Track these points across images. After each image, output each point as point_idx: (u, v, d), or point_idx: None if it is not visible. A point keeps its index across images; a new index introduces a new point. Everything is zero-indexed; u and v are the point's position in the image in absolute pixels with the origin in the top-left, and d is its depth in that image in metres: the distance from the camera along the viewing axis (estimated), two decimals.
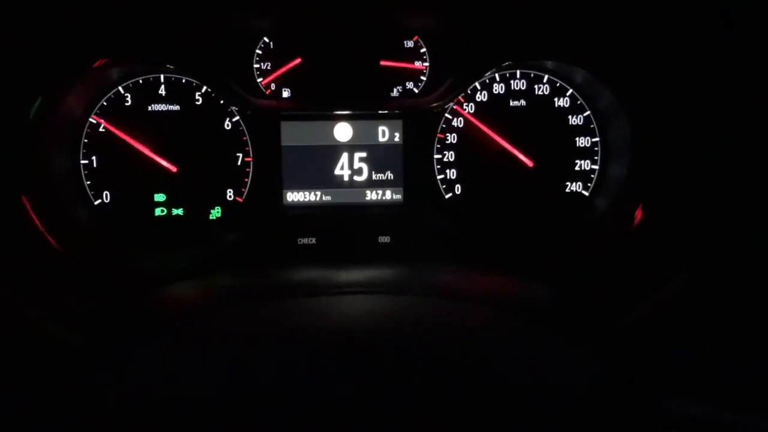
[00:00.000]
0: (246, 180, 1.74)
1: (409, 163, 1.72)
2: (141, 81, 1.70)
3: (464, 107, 1.75)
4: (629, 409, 0.83)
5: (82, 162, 1.70)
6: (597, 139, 1.76)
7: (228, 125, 1.73)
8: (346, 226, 1.70)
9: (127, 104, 1.70)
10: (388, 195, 1.73)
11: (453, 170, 1.77)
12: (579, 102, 1.76)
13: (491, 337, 1.02)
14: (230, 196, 1.75)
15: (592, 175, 1.78)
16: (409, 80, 1.78)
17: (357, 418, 0.76)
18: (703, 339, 1.12)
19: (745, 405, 0.84)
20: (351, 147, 1.71)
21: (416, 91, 1.78)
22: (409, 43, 1.77)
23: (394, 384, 0.83)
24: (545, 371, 0.90)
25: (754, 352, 1.06)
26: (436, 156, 1.76)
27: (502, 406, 0.79)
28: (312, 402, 0.79)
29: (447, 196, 1.78)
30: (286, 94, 1.77)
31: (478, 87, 1.75)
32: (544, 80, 1.75)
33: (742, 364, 1.00)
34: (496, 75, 1.75)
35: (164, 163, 1.70)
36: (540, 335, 1.04)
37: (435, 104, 1.69)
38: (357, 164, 1.72)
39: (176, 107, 1.71)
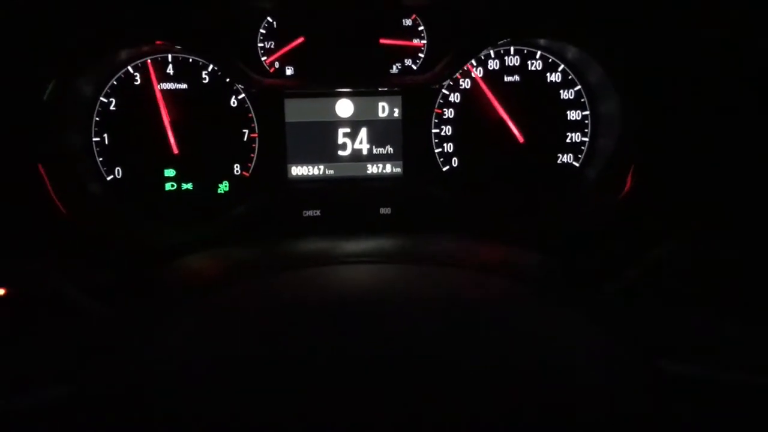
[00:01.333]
0: (252, 155, 1.78)
1: (408, 137, 1.76)
2: (149, 61, 1.73)
3: (461, 83, 1.80)
4: (630, 371, 0.86)
5: (94, 139, 1.74)
6: (587, 112, 1.82)
7: (234, 103, 1.77)
8: (349, 198, 1.75)
9: (136, 83, 1.73)
10: (389, 168, 1.79)
11: (450, 144, 1.82)
12: (570, 77, 1.81)
13: (490, 303, 1.06)
14: (237, 171, 1.79)
15: (583, 147, 1.84)
16: (408, 57, 1.81)
17: (366, 384, 0.80)
18: (698, 301, 1.14)
19: (742, 364, 0.87)
20: (352, 123, 1.75)
21: (415, 68, 1.81)
22: (408, 22, 1.80)
23: (399, 348, 0.87)
24: (544, 339, 0.93)
25: (750, 313, 1.07)
26: (434, 130, 1.80)
27: (503, 374, 0.83)
28: (322, 368, 0.83)
29: (444, 169, 1.83)
30: (289, 72, 1.80)
31: (474, 63, 1.79)
32: (537, 56, 1.80)
33: (738, 325, 1.03)
34: (491, 51, 1.79)
35: (173, 140, 1.74)
36: (538, 303, 1.07)
37: (433, 81, 1.74)
38: (358, 139, 1.76)
39: (184, 86, 1.75)
